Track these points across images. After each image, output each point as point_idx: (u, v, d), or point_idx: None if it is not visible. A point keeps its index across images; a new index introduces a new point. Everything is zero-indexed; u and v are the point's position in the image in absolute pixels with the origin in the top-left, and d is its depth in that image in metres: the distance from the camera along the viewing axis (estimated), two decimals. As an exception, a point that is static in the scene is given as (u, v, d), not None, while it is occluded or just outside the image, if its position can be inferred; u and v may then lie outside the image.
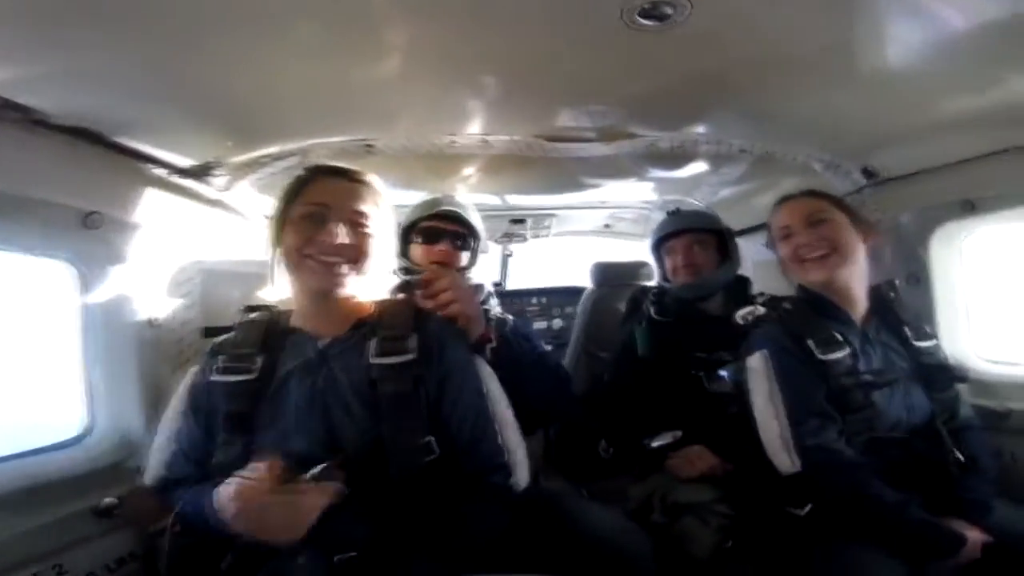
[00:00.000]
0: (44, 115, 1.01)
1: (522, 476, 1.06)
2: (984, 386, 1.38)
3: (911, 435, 1.15)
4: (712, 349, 1.50)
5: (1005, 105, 1.09)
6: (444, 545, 0.91)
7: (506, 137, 1.52)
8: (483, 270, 1.78)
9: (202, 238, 1.52)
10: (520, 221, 2.66)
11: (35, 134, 1.03)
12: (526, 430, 1.12)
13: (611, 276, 2.22)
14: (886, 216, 1.49)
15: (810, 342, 1.16)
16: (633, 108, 1.35)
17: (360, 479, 0.90)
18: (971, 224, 1.37)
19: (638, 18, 0.90)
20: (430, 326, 1.05)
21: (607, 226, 2.85)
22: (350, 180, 1.05)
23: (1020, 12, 0.84)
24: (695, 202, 2.13)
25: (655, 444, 1.43)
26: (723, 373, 1.37)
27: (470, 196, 2.17)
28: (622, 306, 1.99)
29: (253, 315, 1.09)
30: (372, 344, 0.99)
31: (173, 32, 0.84)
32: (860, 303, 1.23)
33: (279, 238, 1.02)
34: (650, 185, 2.15)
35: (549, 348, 2.63)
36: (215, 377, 1.00)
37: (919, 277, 1.47)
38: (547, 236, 2.90)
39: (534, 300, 3.16)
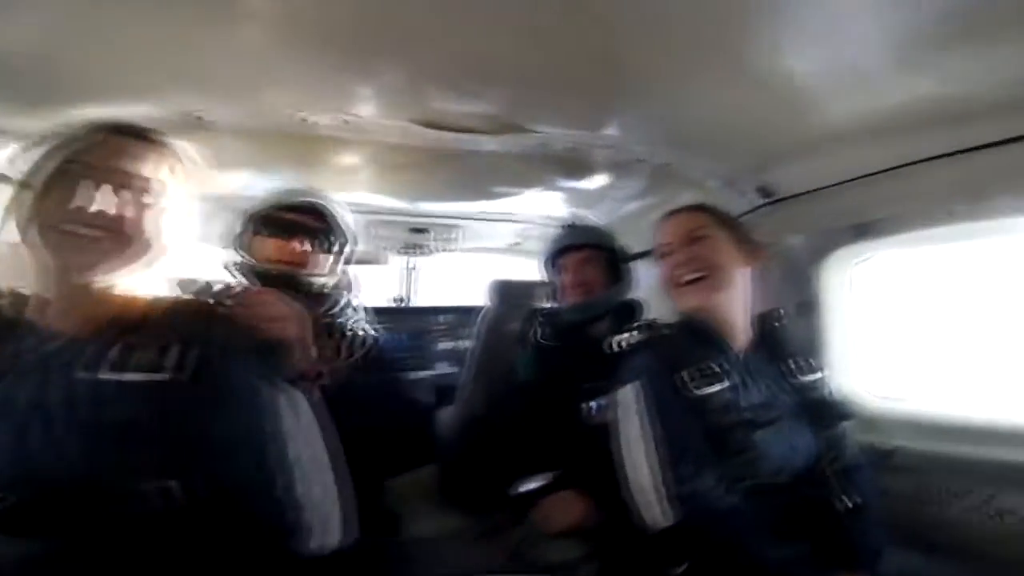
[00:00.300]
0: None
1: (330, 536, 0.81)
2: (871, 422, 1.29)
3: (796, 479, 1.02)
4: (599, 379, 1.32)
5: (899, 114, 1.02)
6: None
7: (373, 120, 1.31)
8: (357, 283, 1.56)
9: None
10: (422, 231, 2.44)
11: None
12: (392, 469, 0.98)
13: (510, 295, 2.03)
14: (780, 240, 1.41)
15: (685, 374, 1.01)
16: (517, 94, 1.20)
17: (53, 525, 0.68)
18: (864, 249, 1.31)
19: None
20: (212, 337, 0.80)
21: (516, 244, 2.69)
22: (135, 138, 0.81)
23: (922, 16, 0.79)
24: (592, 218, 2.01)
25: (520, 490, 1.22)
26: (593, 405, 1.19)
27: (357, 196, 1.97)
28: (512, 328, 1.81)
29: None
30: (114, 352, 0.74)
31: None
32: (742, 332, 1.11)
33: (19, 206, 0.77)
34: (557, 197, 2.02)
35: (455, 371, 2.44)
36: None
37: (810, 306, 1.38)
38: (455, 251, 2.69)
39: (441, 319, 2.93)
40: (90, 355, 0.74)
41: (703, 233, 1.10)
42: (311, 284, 1.32)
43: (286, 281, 1.26)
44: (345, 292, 1.45)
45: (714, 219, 1.13)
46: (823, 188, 1.31)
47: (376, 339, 1.43)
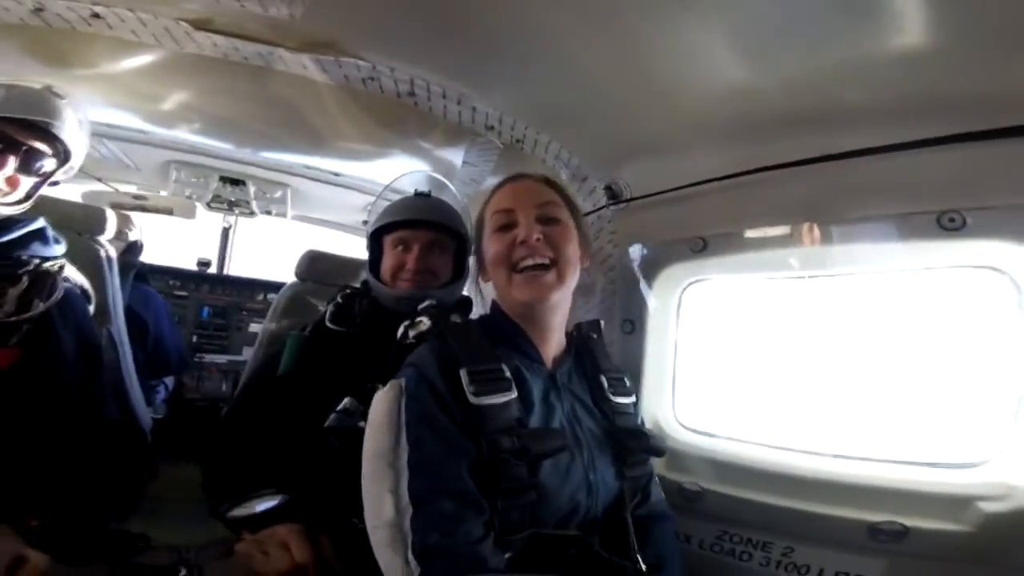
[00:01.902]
0: None
1: None
2: (679, 458, 1.17)
3: (588, 529, 0.81)
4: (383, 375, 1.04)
5: (751, 116, 0.91)
6: None
7: (128, 13, 1.03)
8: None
9: None
10: (237, 183, 1.97)
11: None
12: None
13: (321, 271, 1.67)
14: (618, 248, 1.26)
15: (463, 373, 0.76)
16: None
17: None
18: (698, 269, 1.19)
19: None
20: None
21: (366, 222, 2.33)
22: None
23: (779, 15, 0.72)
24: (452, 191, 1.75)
25: (236, 514, 0.88)
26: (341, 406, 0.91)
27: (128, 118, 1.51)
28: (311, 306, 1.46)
29: None
30: None
31: None
32: (556, 339, 0.91)
33: None
34: (403, 164, 1.72)
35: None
36: None
37: (634, 324, 1.24)
38: (283, 215, 2.24)
39: (260, 296, 2.44)
40: None
41: (556, 214, 0.88)
42: None
43: None
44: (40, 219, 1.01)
45: (565, 200, 0.93)
46: (664, 193, 1.18)
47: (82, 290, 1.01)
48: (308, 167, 1.85)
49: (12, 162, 0.94)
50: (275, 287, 2.48)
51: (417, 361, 0.79)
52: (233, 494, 0.95)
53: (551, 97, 1.11)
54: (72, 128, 1.03)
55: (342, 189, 2.04)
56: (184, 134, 1.70)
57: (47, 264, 0.99)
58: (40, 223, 1.01)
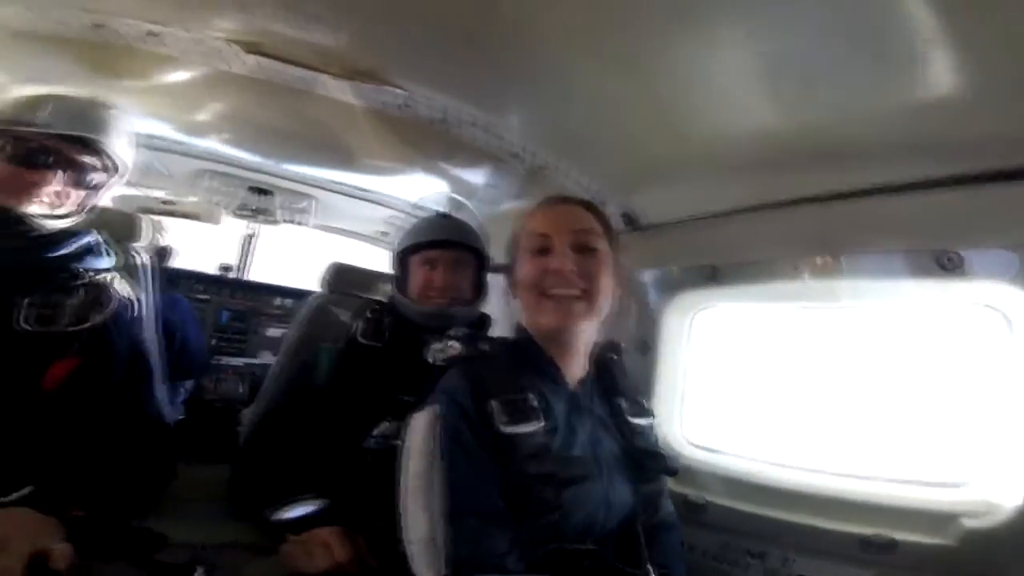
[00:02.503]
0: None
1: None
2: (686, 472, 1.24)
3: (603, 542, 0.87)
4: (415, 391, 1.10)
5: (765, 149, 0.97)
6: None
7: (184, 33, 1.07)
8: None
9: None
10: (264, 192, 2.05)
11: None
12: None
13: (347, 282, 1.74)
14: (634, 271, 1.34)
15: (494, 404, 0.81)
16: (368, 30, 1.00)
17: None
18: (710, 296, 1.26)
19: None
20: None
21: (384, 233, 2.41)
22: None
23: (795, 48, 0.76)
24: (471, 209, 1.81)
25: (279, 516, 0.94)
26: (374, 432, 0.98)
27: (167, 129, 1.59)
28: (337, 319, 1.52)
29: None
30: None
31: None
32: (580, 361, 0.95)
33: None
34: (427, 182, 1.80)
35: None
36: None
37: (649, 346, 1.31)
38: (307, 225, 2.31)
39: (278, 301, 2.51)
40: None
41: (593, 243, 0.89)
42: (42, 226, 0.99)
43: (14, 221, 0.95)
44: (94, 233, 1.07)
45: (604, 227, 0.94)
46: (681, 223, 1.25)
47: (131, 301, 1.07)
48: (334, 181, 1.92)
49: (60, 176, 0.99)
50: (292, 293, 2.57)
51: (450, 388, 0.84)
52: (274, 498, 1.02)
53: (575, 127, 1.18)
54: (120, 140, 1.07)
55: (364, 202, 2.12)
56: (218, 145, 1.77)
57: (100, 277, 1.04)
58: (94, 237, 1.07)
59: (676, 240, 1.27)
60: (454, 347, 0.90)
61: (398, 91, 1.17)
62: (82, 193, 1.04)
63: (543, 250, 0.89)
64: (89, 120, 1.03)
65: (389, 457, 0.87)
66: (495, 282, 1.35)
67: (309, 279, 2.66)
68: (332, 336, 1.49)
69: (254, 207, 2.16)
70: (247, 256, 2.47)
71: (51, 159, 0.98)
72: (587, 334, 0.93)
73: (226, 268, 2.42)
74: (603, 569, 0.85)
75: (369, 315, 1.29)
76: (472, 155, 1.43)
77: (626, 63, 0.92)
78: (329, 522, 0.96)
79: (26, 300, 0.92)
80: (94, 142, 1.02)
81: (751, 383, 1.33)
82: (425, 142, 1.40)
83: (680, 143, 1.09)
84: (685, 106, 0.99)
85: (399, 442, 0.83)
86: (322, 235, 2.44)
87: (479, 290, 1.33)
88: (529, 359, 0.90)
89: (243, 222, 2.31)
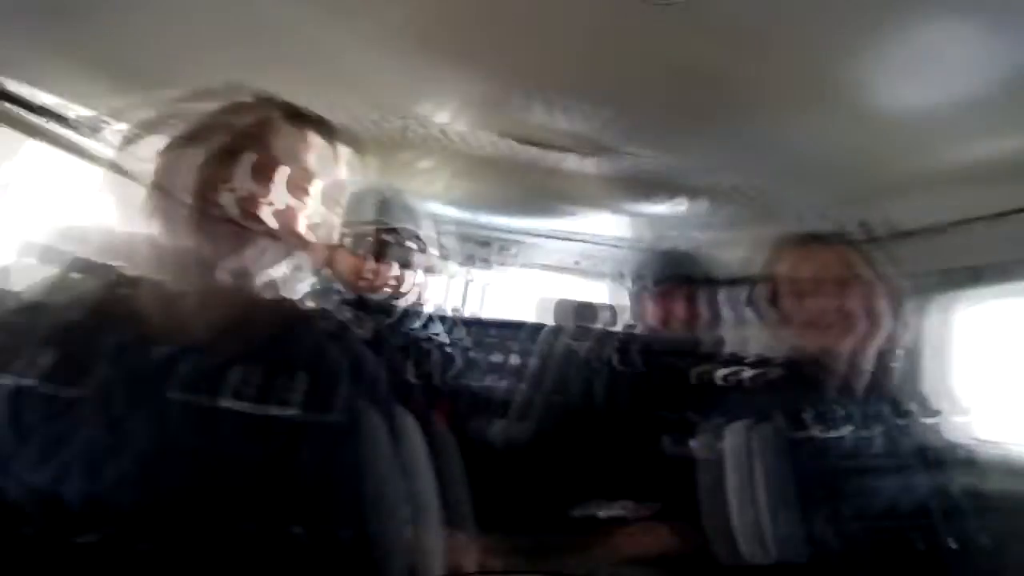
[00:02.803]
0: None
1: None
2: (971, 465, 1.22)
3: (904, 522, 0.96)
4: (679, 409, 1.29)
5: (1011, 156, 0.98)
6: None
7: (468, 130, 1.32)
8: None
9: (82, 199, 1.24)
10: (485, 244, 2.45)
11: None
12: None
13: (573, 315, 2.01)
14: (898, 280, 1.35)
15: (807, 416, 0.96)
16: (616, 113, 1.18)
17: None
18: (974, 293, 1.23)
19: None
20: (342, 366, 0.71)
21: (576, 263, 2.67)
22: (314, 127, 0.76)
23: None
24: (678, 243, 1.96)
25: (602, 514, 1.18)
26: (692, 443, 1.15)
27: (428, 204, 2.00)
28: (581, 348, 1.76)
29: None
30: (233, 375, 0.64)
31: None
32: (863, 375, 1.04)
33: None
34: (626, 220, 2.00)
35: (504, 384, 2.42)
36: None
37: (914, 347, 1.30)
38: (512, 265, 2.69)
39: (492, 331, 2.93)
40: (207, 373, 0.61)
41: (857, 275, 1.00)
42: (396, 307, 1.28)
43: (379, 308, 1.22)
44: (424, 304, 1.44)
45: (861, 256, 1.03)
46: (931, 229, 1.24)
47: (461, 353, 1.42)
48: (548, 231, 2.23)
49: (395, 264, 1.25)
50: (500, 324, 2.96)
51: (759, 404, 1.00)
52: (576, 501, 1.26)
53: (800, 154, 1.24)
54: (426, 223, 1.34)
55: (558, 240, 2.41)
56: (452, 209, 2.18)
57: (439, 338, 1.38)
58: (432, 309, 1.43)
59: (924, 247, 1.27)
60: (746, 372, 1.06)
61: (641, 158, 1.37)
62: (411, 273, 1.31)
63: (808, 292, 1.01)
64: (409, 211, 1.28)
65: (683, 463, 1.08)
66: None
67: (504, 310, 3.07)
68: (572, 364, 1.76)
69: (475, 256, 2.60)
70: (465, 297, 2.93)
71: (389, 249, 1.23)
72: (868, 353, 1.02)
73: (455, 310, 2.92)
74: (903, 542, 0.94)
75: (619, 344, 1.51)
76: (687, 192, 1.59)
77: (846, 99, 0.98)
78: (635, 518, 1.18)
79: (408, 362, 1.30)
80: (414, 230, 1.27)
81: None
82: (644, 192, 1.59)
83: (916, 161, 1.12)
84: (918, 127, 1.02)
85: (707, 451, 1.02)
86: (524, 272, 2.81)
87: (717, 313, 1.47)
88: (819, 375, 1.02)
89: (463, 269, 2.77)
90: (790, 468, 0.93)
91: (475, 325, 2.84)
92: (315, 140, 0.73)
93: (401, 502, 0.68)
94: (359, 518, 0.63)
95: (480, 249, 2.50)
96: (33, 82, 1.02)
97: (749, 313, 1.17)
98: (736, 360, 1.13)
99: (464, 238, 2.42)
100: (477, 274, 2.81)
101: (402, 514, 0.67)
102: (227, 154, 0.65)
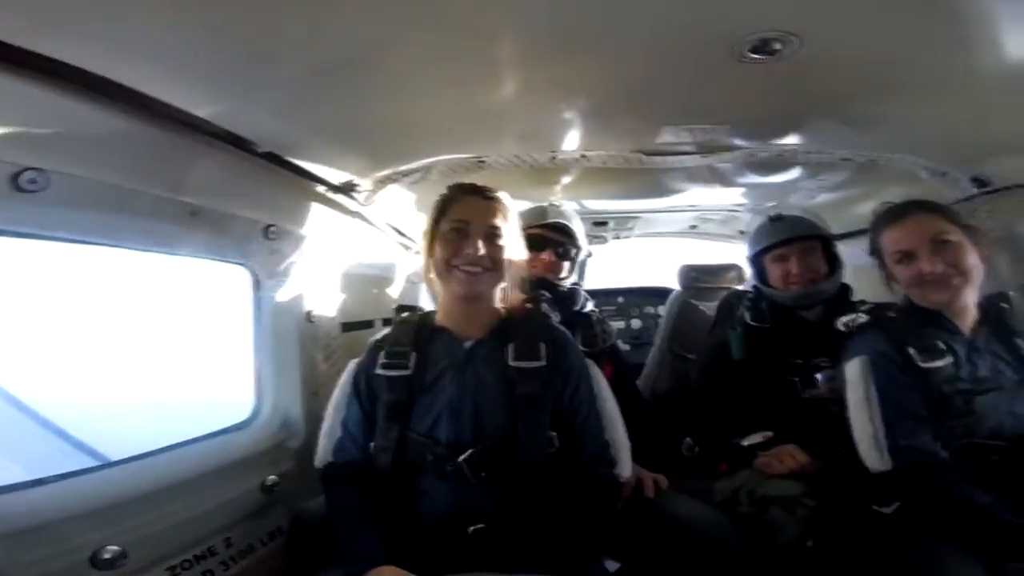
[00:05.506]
0: (251, 143, 1.20)
1: (625, 468, 1.22)
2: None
3: (1012, 442, 1.15)
4: (809, 356, 1.54)
5: None
6: (560, 524, 1.06)
7: (604, 152, 1.63)
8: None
9: (346, 245, 1.75)
10: (602, 224, 2.76)
11: (240, 159, 1.21)
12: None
13: (698, 279, 2.27)
14: (998, 226, 1.47)
15: (912, 350, 1.19)
16: (736, 127, 1.42)
17: (494, 464, 1.09)
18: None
19: (748, 53, 0.96)
20: (555, 335, 1.22)
21: (693, 227, 2.87)
22: (485, 198, 1.19)
23: None
24: (794, 207, 2.11)
25: (746, 442, 1.50)
26: (818, 376, 1.41)
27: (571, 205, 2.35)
28: (708, 308, 2.02)
29: (404, 315, 1.26)
30: (510, 349, 1.15)
31: (334, 72, 1.01)
32: (970, 315, 1.23)
33: (431, 250, 1.18)
34: (740, 190, 2.19)
35: (627, 348, 2.75)
36: (379, 371, 1.16)
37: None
38: (629, 237, 2.98)
39: (612, 300, 3.26)
40: (497, 350, 1.15)
41: (948, 238, 1.18)
42: (557, 287, 1.68)
43: (539, 285, 1.55)
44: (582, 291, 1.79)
45: (950, 221, 1.21)
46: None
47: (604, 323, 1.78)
48: (661, 206, 2.49)
49: (549, 253, 1.66)
50: (619, 292, 3.24)
51: (870, 342, 1.25)
52: (735, 433, 1.55)
53: (911, 122, 1.33)
54: (576, 223, 1.74)
55: (674, 213, 2.63)
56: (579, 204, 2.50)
57: (591, 312, 1.76)
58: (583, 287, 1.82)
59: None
60: (861, 317, 1.31)
61: (746, 148, 1.58)
62: (566, 263, 1.72)
63: (909, 256, 1.22)
64: (552, 213, 1.69)
65: (814, 400, 1.37)
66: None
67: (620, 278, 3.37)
68: (699, 323, 2.03)
69: (592, 235, 2.93)
70: (583, 271, 3.27)
71: (546, 243, 1.64)
72: (969, 295, 1.22)
73: (575, 284, 3.29)
74: (1010, 459, 1.14)
75: (748, 303, 1.71)
76: (800, 167, 1.76)
77: (962, 83, 1.10)
78: (778, 444, 1.48)
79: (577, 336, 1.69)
80: (564, 230, 1.68)
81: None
82: (758, 171, 1.80)
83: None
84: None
85: (836, 385, 1.29)
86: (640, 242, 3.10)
87: (832, 265, 1.65)
88: (927, 319, 1.24)
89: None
90: (899, 390, 1.18)
91: (610, 295, 3.20)
92: (487, 203, 1.19)
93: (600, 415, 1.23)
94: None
95: (598, 228, 2.80)
96: (312, 158, 1.41)
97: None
98: (852, 308, 1.36)
99: (584, 220, 2.75)
100: (594, 249, 3.15)
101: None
102: (451, 234, 1.16)
